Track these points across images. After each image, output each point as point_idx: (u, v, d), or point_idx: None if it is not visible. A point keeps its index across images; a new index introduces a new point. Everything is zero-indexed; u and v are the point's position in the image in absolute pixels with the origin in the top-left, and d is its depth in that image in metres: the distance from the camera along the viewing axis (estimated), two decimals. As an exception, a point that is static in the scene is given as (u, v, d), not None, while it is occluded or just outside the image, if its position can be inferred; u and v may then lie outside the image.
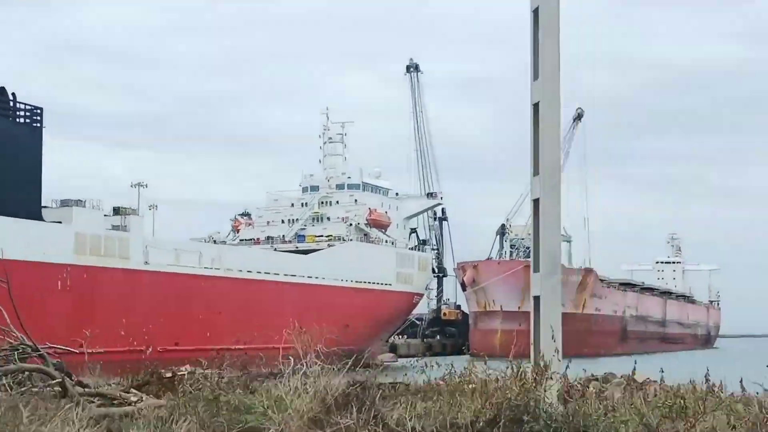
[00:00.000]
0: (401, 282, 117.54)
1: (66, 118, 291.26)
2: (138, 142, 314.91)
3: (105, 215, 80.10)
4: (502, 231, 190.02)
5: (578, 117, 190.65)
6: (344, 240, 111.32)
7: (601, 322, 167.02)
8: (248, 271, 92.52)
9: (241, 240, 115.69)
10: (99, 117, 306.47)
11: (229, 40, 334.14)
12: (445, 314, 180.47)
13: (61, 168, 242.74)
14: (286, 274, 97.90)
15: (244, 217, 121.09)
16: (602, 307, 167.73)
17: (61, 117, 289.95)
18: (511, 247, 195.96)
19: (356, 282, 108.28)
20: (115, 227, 79.90)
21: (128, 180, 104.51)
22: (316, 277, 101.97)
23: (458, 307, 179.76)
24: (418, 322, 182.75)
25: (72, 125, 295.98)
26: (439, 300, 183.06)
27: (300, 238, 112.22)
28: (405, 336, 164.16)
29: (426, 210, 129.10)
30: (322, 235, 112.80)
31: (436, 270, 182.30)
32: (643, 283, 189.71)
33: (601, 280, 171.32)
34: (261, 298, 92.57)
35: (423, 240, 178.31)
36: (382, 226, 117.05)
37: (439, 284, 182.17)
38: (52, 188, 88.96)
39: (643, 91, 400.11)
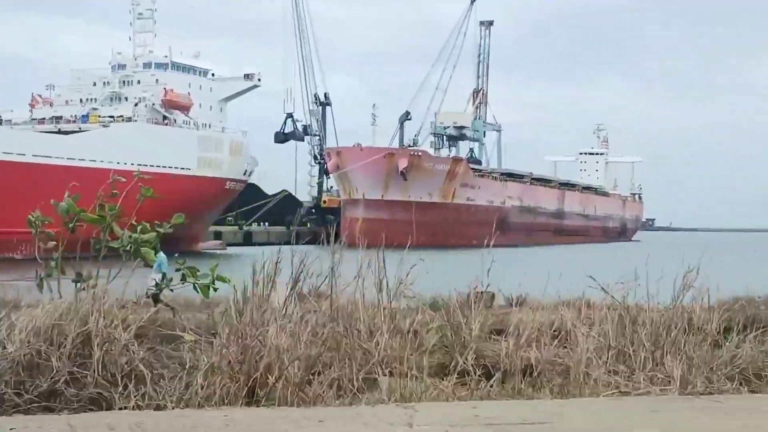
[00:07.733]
0: (205, 166, 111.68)
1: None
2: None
3: None
4: (405, 117, 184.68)
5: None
6: (131, 120, 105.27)
7: (474, 212, 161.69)
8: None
9: (32, 119, 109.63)
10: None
11: None
12: (324, 201, 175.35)
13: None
14: (35, 155, 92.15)
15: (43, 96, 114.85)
16: (476, 197, 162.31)
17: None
18: (434, 136, 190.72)
19: (137, 165, 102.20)
20: None
21: None
22: (81, 159, 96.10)
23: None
24: (314, 210, 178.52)
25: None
26: (320, 187, 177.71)
27: (84, 118, 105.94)
28: (266, 222, 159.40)
29: (243, 92, 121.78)
30: (112, 116, 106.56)
31: (318, 157, 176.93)
32: (531, 173, 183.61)
33: (475, 170, 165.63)
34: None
35: (303, 125, 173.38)
36: (181, 108, 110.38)
37: (321, 171, 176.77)
38: None
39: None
